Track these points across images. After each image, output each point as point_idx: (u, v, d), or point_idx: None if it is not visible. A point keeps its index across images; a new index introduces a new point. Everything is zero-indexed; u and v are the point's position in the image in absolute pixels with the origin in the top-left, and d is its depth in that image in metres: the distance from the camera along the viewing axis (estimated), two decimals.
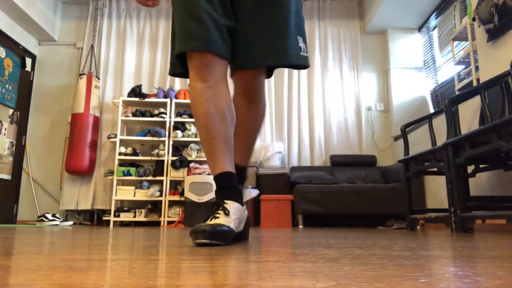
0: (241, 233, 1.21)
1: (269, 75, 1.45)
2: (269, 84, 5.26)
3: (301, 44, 1.31)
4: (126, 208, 4.70)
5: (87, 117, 4.81)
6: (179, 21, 1.28)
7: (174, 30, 1.33)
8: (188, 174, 4.58)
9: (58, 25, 5.53)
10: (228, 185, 1.23)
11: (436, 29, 4.77)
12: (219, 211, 1.13)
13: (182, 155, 4.81)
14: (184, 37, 1.24)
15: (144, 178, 4.70)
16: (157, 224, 4.66)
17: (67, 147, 4.82)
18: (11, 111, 4.92)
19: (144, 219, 4.61)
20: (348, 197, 3.98)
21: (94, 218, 4.93)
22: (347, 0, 5.49)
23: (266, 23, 1.28)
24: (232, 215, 1.13)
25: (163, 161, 4.73)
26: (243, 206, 1.22)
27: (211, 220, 1.11)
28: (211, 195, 4.23)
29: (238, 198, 1.22)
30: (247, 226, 1.27)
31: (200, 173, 4.50)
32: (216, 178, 1.25)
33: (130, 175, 4.70)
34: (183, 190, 4.51)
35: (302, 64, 1.31)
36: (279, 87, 5.22)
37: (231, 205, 1.16)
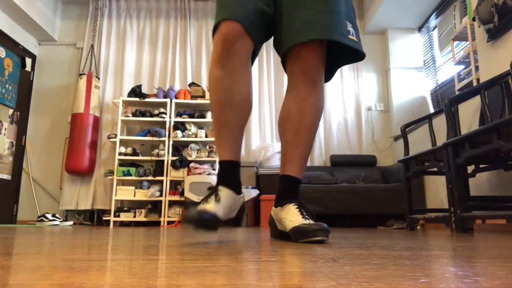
0: (232, 220, 1.23)
1: (329, 77, 1.38)
2: (269, 84, 5.26)
3: (350, 28, 1.25)
4: (126, 208, 4.70)
5: (87, 117, 4.81)
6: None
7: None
8: (188, 174, 4.58)
9: (58, 25, 5.53)
10: (227, 173, 1.27)
11: (436, 29, 4.77)
12: (211, 197, 1.18)
13: (182, 155, 4.81)
14: (217, 11, 1.25)
15: (144, 178, 4.70)
16: (157, 224, 4.66)
17: (67, 147, 4.82)
18: (11, 111, 4.92)
19: (144, 219, 4.61)
20: (348, 197, 3.98)
21: (94, 218, 4.94)
22: None
23: (313, 2, 1.24)
24: (223, 202, 1.17)
25: (163, 161, 4.73)
26: (238, 194, 1.25)
27: (203, 204, 1.15)
28: None
29: (234, 186, 1.24)
30: (241, 213, 1.28)
31: (200, 173, 4.51)
32: (219, 164, 1.31)
33: (130, 175, 4.70)
34: (183, 190, 4.51)
35: (348, 44, 1.21)
36: (280, 87, 5.22)
37: (224, 192, 1.20)
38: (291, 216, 1.21)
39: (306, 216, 1.19)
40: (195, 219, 1.07)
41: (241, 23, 1.20)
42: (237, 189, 1.25)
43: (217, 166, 4.59)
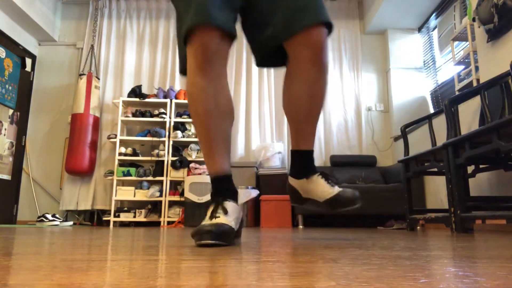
0: (237, 233, 1.22)
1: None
2: (269, 84, 5.26)
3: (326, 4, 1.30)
4: (126, 209, 4.70)
5: (87, 117, 4.81)
6: (182, 8, 1.22)
7: (178, 26, 1.26)
8: (188, 175, 4.58)
9: (58, 25, 5.53)
10: (226, 186, 1.23)
11: (436, 29, 4.77)
12: (219, 211, 1.13)
13: (182, 155, 4.81)
14: (188, 17, 1.16)
15: (144, 178, 4.70)
16: (157, 224, 4.66)
17: (67, 147, 4.82)
18: (11, 111, 4.92)
19: (144, 220, 4.61)
20: None
21: (94, 219, 4.93)
22: (347, 0, 5.49)
23: None
24: (231, 215, 1.13)
25: (163, 161, 4.73)
26: (238, 206, 1.23)
27: (211, 219, 1.10)
28: None
29: (234, 198, 1.22)
30: (241, 226, 1.28)
31: (200, 174, 4.50)
32: (213, 178, 1.24)
33: (130, 175, 4.70)
34: (183, 190, 4.51)
35: (330, 21, 1.25)
36: (279, 87, 5.22)
37: (228, 204, 1.16)
38: (322, 187, 1.35)
39: (333, 184, 1.35)
40: (214, 232, 1.02)
41: (221, 27, 1.14)
42: (237, 202, 1.23)
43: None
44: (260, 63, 1.40)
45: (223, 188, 1.22)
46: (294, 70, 1.30)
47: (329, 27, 1.25)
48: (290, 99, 1.36)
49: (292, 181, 1.45)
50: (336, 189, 1.32)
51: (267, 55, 1.35)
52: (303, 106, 1.33)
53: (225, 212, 1.12)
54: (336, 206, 1.30)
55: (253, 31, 1.34)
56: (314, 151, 1.44)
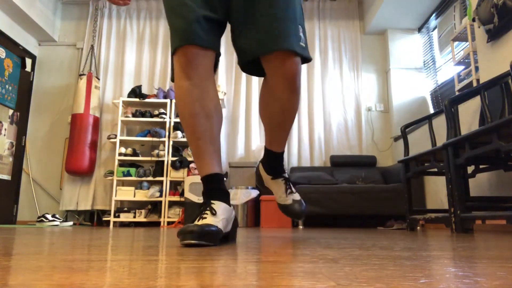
0: (228, 234, 1.21)
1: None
2: None
3: (301, 34, 1.25)
4: (126, 209, 4.70)
5: (87, 117, 4.81)
6: (168, 22, 1.29)
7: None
8: (188, 175, 4.58)
9: (58, 25, 5.53)
10: (216, 187, 1.24)
11: (436, 29, 4.77)
12: (206, 211, 1.14)
13: (182, 155, 4.81)
14: (171, 37, 1.25)
15: (144, 178, 4.69)
16: (157, 224, 4.66)
17: (67, 148, 4.82)
18: (11, 111, 4.92)
19: (144, 220, 4.61)
20: (348, 198, 3.98)
21: (94, 219, 4.93)
22: (347, 0, 5.50)
23: (270, 7, 1.22)
24: (219, 215, 1.14)
25: (163, 161, 4.72)
26: (230, 206, 1.22)
27: (198, 220, 1.12)
28: None
29: (225, 199, 1.22)
30: (235, 227, 1.27)
31: None
32: (203, 179, 1.26)
33: (130, 175, 4.70)
34: (183, 190, 4.51)
35: (300, 53, 1.22)
36: None
37: (218, 205, 1.16)
38: (281, 193, 1.56)
39: (291, 192, 1.55)
40: (196, 232, 1.03)
41: (195, 44, 1.19)
42: (228, 202, 1.22)
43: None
44: (244, 69, 1.40)
45: (212, 188, 1.23)
46: (269, 89, 1.35)
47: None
48: (265, 112, 1.46)
49: (261, 170, 1.63)
50: (290, 200, 1.53)
51: (248, 63, 1.35)
52: (276, 118, 1.43)
53: (213, 213, 1.13)
54: (285, 212, 1.55)
55: (235, 38, 1.34)
56: (283, 152, 1.59)
